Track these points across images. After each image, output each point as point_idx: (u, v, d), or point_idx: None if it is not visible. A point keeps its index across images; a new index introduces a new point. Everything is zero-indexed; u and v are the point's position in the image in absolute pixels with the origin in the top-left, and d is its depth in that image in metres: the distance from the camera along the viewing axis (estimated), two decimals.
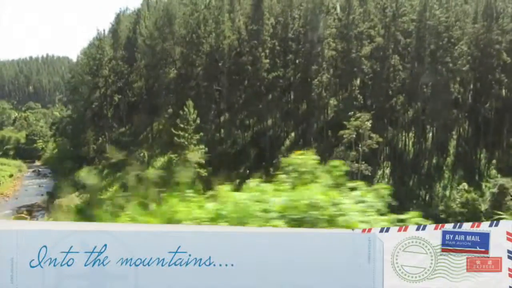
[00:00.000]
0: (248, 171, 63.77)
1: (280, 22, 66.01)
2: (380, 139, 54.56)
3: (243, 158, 68.28)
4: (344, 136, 55.73)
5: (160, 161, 61.03)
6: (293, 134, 72.32)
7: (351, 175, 53.02)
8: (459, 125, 67.17)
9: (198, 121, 52.38)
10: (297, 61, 65.13)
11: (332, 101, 65.57)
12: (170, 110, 66.78)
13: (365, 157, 56.84)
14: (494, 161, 64.65)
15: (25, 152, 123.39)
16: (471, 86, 66.35)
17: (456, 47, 62.29)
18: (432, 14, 61.54)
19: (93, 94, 79.41)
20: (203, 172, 49.57)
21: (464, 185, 53.99)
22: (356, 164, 54.46)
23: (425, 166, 65.80)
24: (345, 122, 55.64)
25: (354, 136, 54.44)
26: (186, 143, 51.88)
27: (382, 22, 63.80)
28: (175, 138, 53.22)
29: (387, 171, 63.71)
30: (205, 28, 63.15)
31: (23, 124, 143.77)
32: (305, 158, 4.53)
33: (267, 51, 63.15)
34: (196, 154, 52.81)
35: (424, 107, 63.73)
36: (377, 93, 63.28)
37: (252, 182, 4.46)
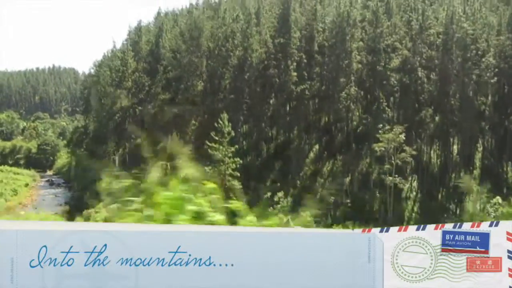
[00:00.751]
0: (276, 183, 63.67)
1: (305, 35, 66.27)
2: (414, 152, 54.62)
3: (267, 170, 68.09)
4: (377, 149, 55.79)
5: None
6: (317, 146, 72.23)
7: (384, 188, 52.77)
8: (484, 138, 67.24)
9: (233, 133, 52.27)
10: (323, 73, 65.27)
11: (359, 114, 65.65)
12: (194, 122, 66.80)
13: (389, 170, 56.81)
14: None
15: (36, 162, 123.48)
16: (496, 98, 66.50)
17: (483, 59, 62.55)
18: (460, 26, 61.82)
19: (115, 105, 79.47)
20: (237, 185, 49.52)
21: (498, 199, 53.88)
22: (390, 177, 54.52)
23: (452, 179, 65.69)
24: (377, 135, 55.71)
25: (387, 148, 54.48)
26: (220, 155, 51.77)
27: (408, 35, 64.04)
28: (209, 151, 53.10)
29: (415, 184, 63.60)
30: (233, 41, 63.33)
31: (32, 133, 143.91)
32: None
33: (295, 64, 63.31)
34: (230, 167, 52.81)
35: (451, 120, 63.78)
36: (405, 105, 63.40)
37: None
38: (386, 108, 62.80)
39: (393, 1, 66.68)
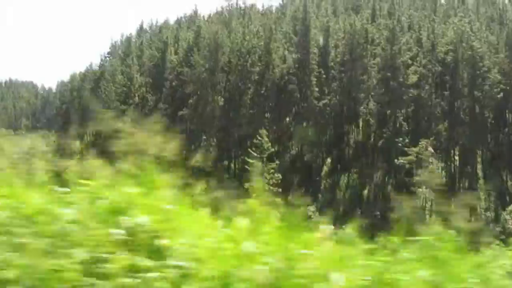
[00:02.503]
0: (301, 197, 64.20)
1: (322, 52, 67.87)
2: (442, 165, 57.03)
3: (286, 183, 68.59)
4: (404, 162, 57.78)
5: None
6: (329, 159, 73.54)
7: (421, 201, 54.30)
8: (487, 149, 71.01)
9: (272, 149, 52.54)
10: (340, 88, 66.95)
11: (374, 127, 67.63)
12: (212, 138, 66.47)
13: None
14: None
15: None
16: (499, 113, 70.50)
17: (489, 75, 66.38)
18: (469, 45, 65.41)
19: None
20: (279, 201, 49.48)
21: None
22: (420, 189, 56.50)
23: (460, 188, 68.80)
24: (406, 149, 57.79)
25: (414, 161, 56.58)
26: (260, 171, 51.79)
27: (421, 53, 66.98)
28: (246, 166, 53.01)
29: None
30: (255, 56, 63.84)
31: None
32: None
33: (315, 79, 64.61)
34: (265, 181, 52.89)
35: (460, 132, 66.97)
36: (418, 119, 66.07)
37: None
38: (403, 122, 65.12)
39: (404, 19, 69.57)
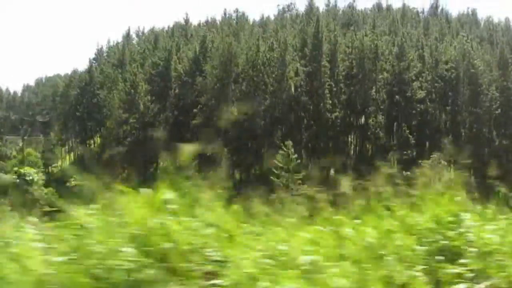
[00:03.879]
0: None
1: (331, 65, 69.64)
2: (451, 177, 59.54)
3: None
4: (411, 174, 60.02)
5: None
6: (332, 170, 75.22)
7: None
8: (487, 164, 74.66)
9: (298, 160, 53.48)
10: (349, 101, 68.85)
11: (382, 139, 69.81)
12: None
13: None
14: None
15: None
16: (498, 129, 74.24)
17: (488, 92, 70.10)
18: (471, 63, 68.91)
19: (120, 128, 76.73)
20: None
21: None
22: None
23: None
24: (419, 161, 60.03)
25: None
26: (284, 182, 52.56)
27: (426, 69, 69.94)
28: (272, 178, 53.75)
29: None
30: (269, 68, 64.81)
31: None
32: None
33: (327, 91, 66.25)
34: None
35: (461, 146, 70.21)
36: (423, 132, 68.82)
37: None
38: (409, 135, 67.63)
39: (407, 36, 72.49)
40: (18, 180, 56.97)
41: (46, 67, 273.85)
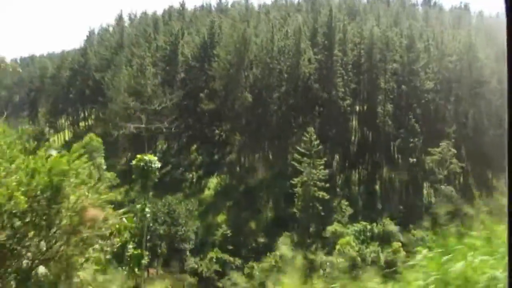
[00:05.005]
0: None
1: (341, 54, 70.80)
2: (463, 164, 62.01)
3: None
4: (429, 161, 62.20)
5: None
6: (336, 156, 76.60)
7: (440, 196, 58.89)
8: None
9: (320, 146, 54.53)
10: (359, 90, 70.28)
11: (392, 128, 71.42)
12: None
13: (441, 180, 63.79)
14: None
15: None
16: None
17: (490, 84, 72.69)
18: (476, 56, 71.26)
19: (126, 111, 75.86)
20: (325, 195, 52.17)
21: None
22: (442, 186, 61.14)
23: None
24: (429, 149, 62.20)
25: (438, 161, 61.17)
26: (306, 168, 53.65)
27: (431, 60, 71.91)
28: (294, 163, 54.71)
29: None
30: (284, 56, 65.44)
31: None
32: None
33: (339, 79, 67.42)
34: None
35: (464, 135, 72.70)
36: (430, 121, 70.92)
37: None
38: (415, 124, 69.59)
39: (414, 28, 74.24)
40: None
41: (29, 46, 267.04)
